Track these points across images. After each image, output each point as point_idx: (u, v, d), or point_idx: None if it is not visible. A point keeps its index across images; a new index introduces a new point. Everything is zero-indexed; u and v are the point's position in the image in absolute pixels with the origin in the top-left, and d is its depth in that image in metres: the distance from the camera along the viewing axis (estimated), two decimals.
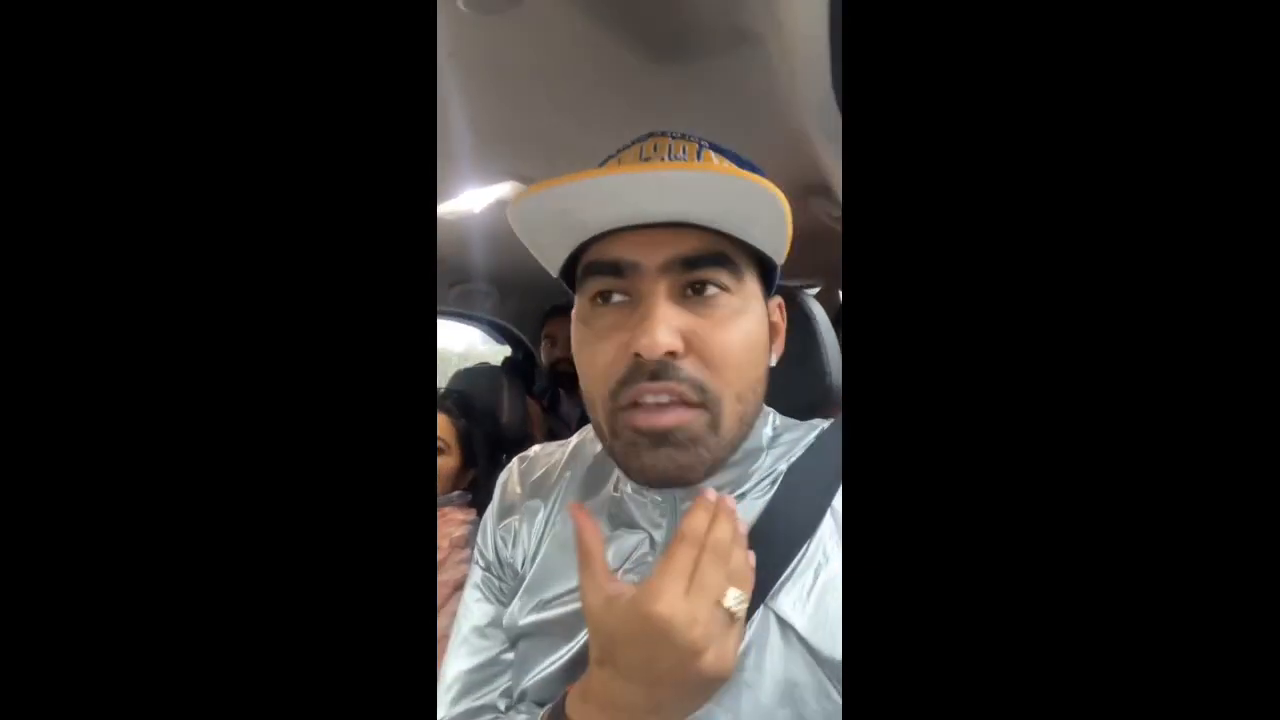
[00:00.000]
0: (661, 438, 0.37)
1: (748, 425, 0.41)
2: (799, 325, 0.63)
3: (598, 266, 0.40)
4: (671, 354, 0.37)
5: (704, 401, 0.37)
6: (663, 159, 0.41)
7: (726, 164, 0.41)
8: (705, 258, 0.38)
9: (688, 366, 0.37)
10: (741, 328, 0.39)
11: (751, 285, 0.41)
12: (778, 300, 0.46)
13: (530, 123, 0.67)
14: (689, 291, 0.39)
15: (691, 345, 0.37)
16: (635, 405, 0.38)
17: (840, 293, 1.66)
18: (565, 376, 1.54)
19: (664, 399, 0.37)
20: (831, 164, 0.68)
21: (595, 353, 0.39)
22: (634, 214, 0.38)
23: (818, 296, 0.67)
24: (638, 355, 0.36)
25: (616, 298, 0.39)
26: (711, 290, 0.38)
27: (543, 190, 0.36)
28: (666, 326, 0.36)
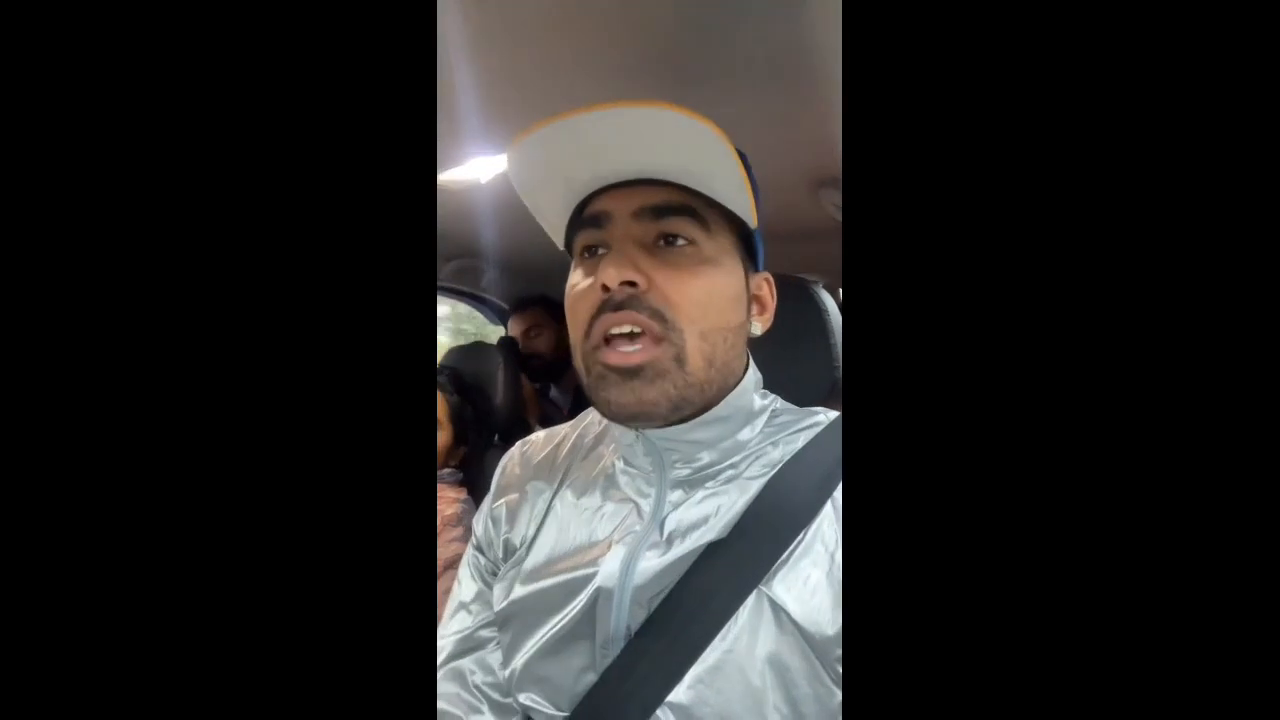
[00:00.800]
0: (631, 373, 0.40)
1: (718, 371, 0.42)
2: (809, 317, 0.62)
3: (582, 222, 0.43)
4: (631, 284, 0.39)
5: (666, 334, 0.40)
6: None
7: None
8: (672, 208, 0.41)
9: (650, 299, 0.40)
10: (707, 275, 0.42)
11: (725, 243, 0.43)
12: (765, 276, 0.48)
13: (544, 92, 0.65)
14: (661, 243, 0.42)
15: (654, 282, 0.40)
16: (606, 343, 0.40)
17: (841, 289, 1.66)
18: (539, 371, 1.53)
19: (626, 329, 0.40)
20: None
21: (575, 300, 0.43)
22: (605, 164, 0.41)
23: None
24: (604, 287, 0.39)
25: (600, 251, 0.43)
26: (680, 242, 0.42)
27: (525, 138, 0.39)
28: (628, 260, 0.40)
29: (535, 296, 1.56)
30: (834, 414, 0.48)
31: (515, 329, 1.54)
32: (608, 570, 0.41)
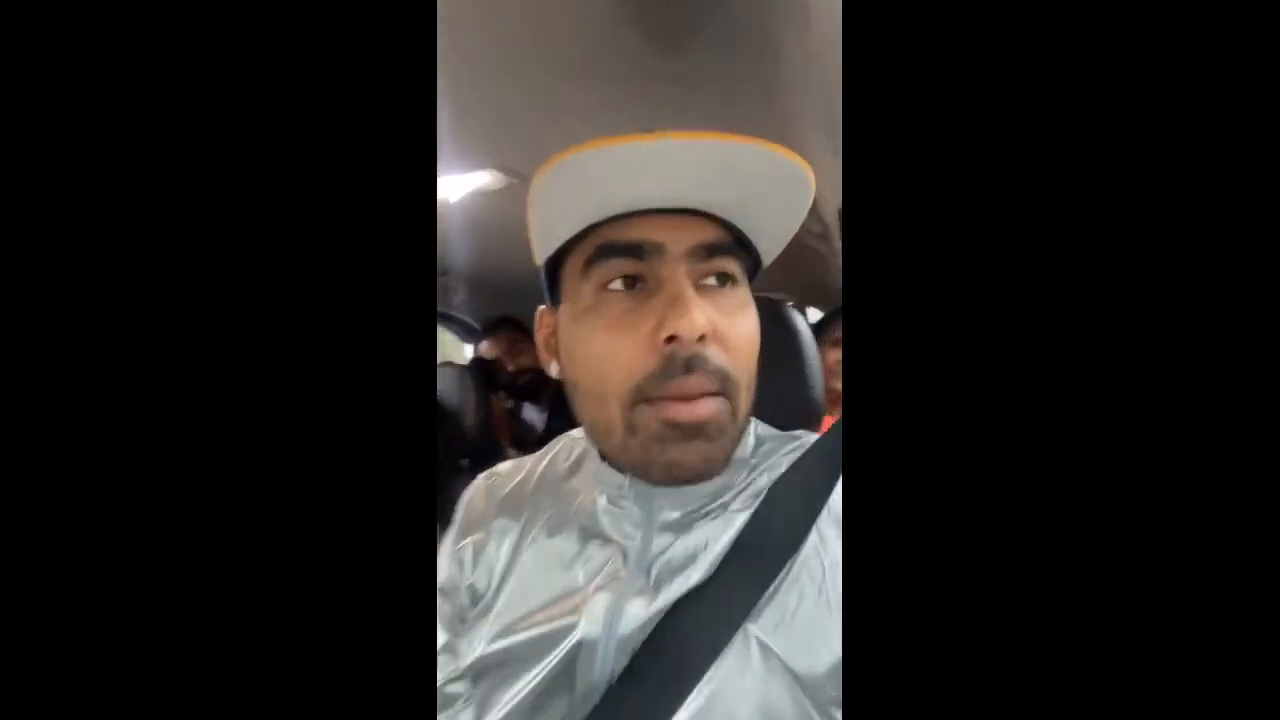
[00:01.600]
0: (695, 430, 0.36)
1: (747, 421, 0.41)
2: (785, 338, 0.62)
3: (614, 248, 0.37)
4: (703, 337, 0.35)
5: (725, 390, 0.37)
6: None
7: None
8: (723, 246, 0.38)
9: (713, 355, 0.36)
10: (748, 319, 0.39)
11: (746, 280, 0.41)
12: None
13: (517, 109, 0.64)
14: (712, 282, 0.38)
15: (716, 332, 0.36)
16: (664, 399, 0.36)
17: (808, 309, 1.69)
18: (529, 387, 1.50)
19: (698, 390, 0.36)
20: (826, 179, 0.68)
21: (610, 344, 0.37)
22: (661, 189, 0.36)
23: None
24: (671, 339, 0.35)
25: (638, 284, 0.37)
26: (726, 282, 0.39)
27: (583, 151, 0.33)
28: (697, 307, 0.35)
29: (501, 318, 1.54)
30: (814, 436, 0.46)
31: (494, 350, 1.51)
32: (591, 619, 0.38)
